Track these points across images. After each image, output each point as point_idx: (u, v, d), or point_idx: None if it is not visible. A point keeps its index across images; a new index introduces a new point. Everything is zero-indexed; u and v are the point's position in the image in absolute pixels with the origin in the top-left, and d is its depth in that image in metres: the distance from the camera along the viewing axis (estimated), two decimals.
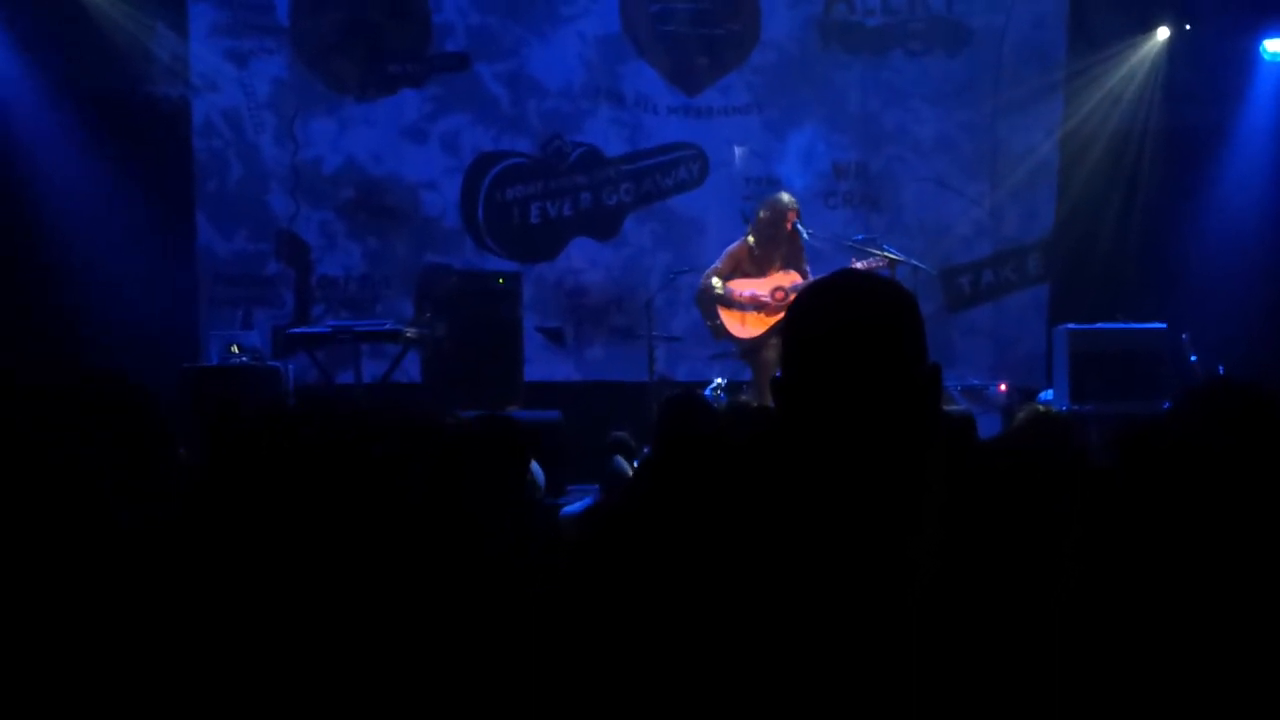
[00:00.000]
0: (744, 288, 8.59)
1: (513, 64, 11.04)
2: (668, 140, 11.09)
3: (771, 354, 8.47)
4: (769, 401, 8.16)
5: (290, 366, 9.49)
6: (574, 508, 5.63)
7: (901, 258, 8.62)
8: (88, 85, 10.33)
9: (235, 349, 9.31)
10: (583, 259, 11.03)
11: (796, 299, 1.96)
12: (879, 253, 8.63)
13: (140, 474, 1.82)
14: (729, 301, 8.58)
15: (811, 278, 8.41)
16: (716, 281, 8.62)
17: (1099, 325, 9.17)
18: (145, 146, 10.46)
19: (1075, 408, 8.46)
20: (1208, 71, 10.73)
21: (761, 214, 8.76)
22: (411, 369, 9.58)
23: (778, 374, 1.89)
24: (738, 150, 11.10)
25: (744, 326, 8.60)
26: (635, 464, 6.11)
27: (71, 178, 10.16)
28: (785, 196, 8.77)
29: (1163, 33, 10.84)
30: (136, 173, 10.26)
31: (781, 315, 8.50)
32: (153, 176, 10.42)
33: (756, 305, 8.53)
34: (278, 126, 10.91)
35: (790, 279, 8.54)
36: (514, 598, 1.69)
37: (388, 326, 9.41)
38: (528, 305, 10.17)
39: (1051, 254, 11.06)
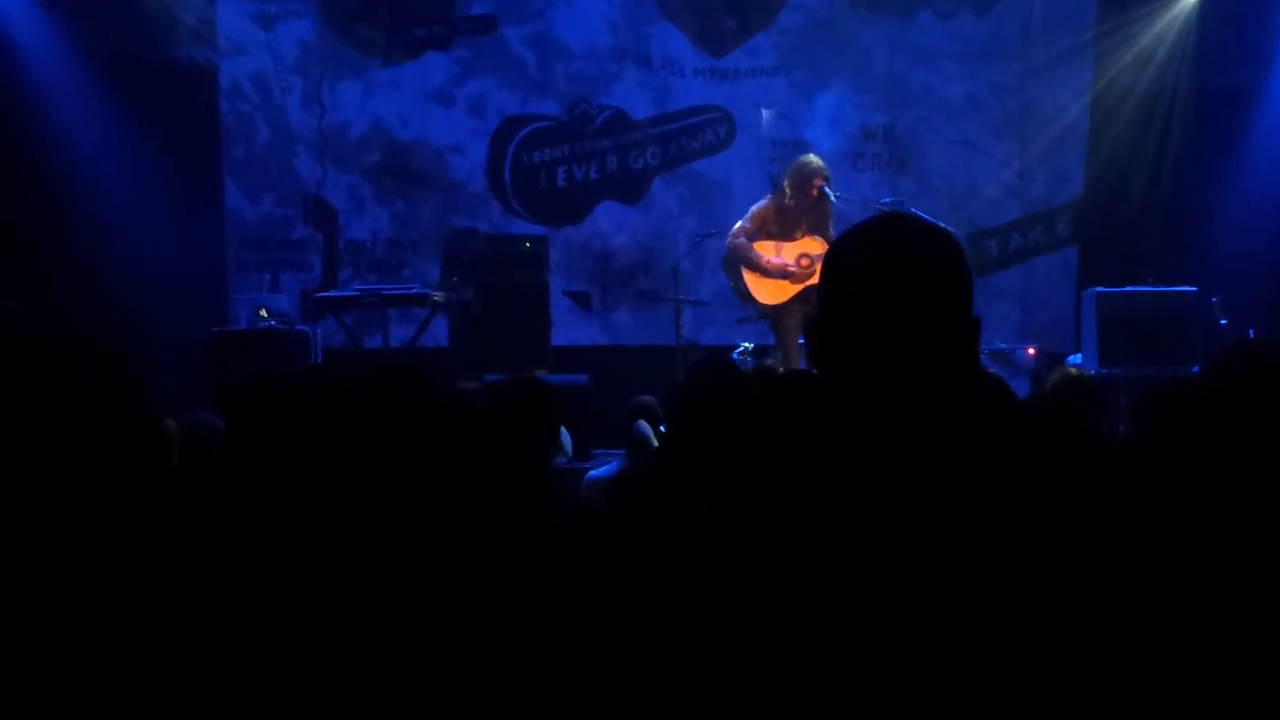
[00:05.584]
0: (771, 253, 8.49)
1: (539, 26, 11.00)
2: (694, 103, 11.05)
3: (795, 320, 8.42)
4: (796, 366, 8.12)
5: (318, 331, 9.51)
6: (599, 472, 5.63)
7: (929, 220, 8.55)
8: (115, 49, 10.35)
9: (264, 313, 9.35)
10: (609, 223, 11.02)
11: (841, 239, 1.85)
12: None
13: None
14: (755, 266, 8.48)
15: None
16: (744, 241, 8.52)
17: (1128, 289, 9.11)
18: (172, 110, 10.48)
19: (1104, 372, 8.42)
20: (1239, 31, 10.61)
21: (788, 176, 8.63)
22: (439, 333, 9.60)
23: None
24: (765, 113, 11.04)
25: (769, 292, 8.51)
26: (661, 428, 6.10)
27: (99, 142, 10.19)
28: (813, 159, 8.61)
29: None
30: (164, 137, 10.28)
31: (807, 283, 8.44)
32: (180, 141, 10.45)
33: (783, 273, 8.45)
34: (305, 90, 10.92)
35: (819, 246, 8.43)
36: (543, 563, 1.70)
37: (415, 290, 9.43)
38: (554, 269, 10.16)
39: (1081, 216, 10.99)
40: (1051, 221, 11.04)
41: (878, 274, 1.75)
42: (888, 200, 9.15)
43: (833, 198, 8.49)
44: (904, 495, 1.66)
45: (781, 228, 8.52)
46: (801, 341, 8.45)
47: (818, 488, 1.72)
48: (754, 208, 8.67)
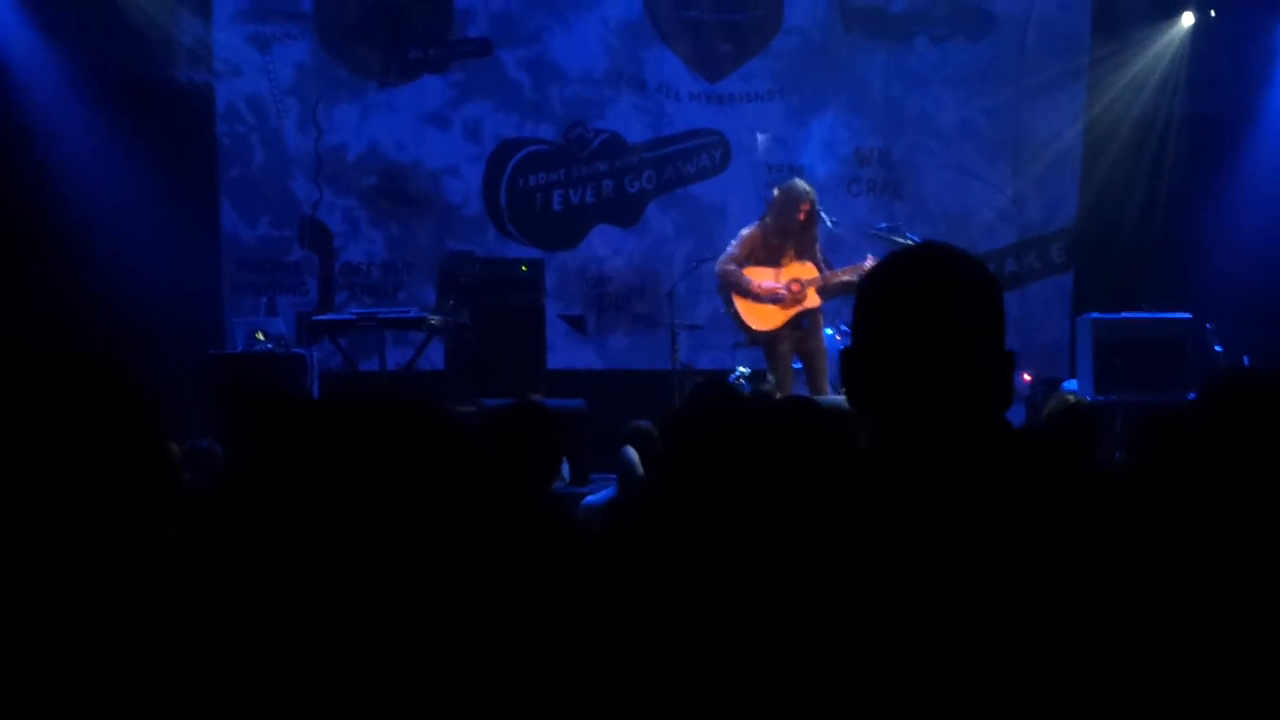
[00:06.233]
0: (761, 279, 8.35)
1: (535, 50, 11.04)
2: (690, 127, 11.09)
3: (787, 346, 8.33)
4: (789, 392, 8.08)
5: (315, 354, 9.51)
6: (595, 498, 5.61)
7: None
8: (111, 70, 10.35)
9: (260, 336, 9.34)
10: (605, 246, 11.04)
11: (877, 269, 1.84)
12: (902, 240, 8.53)
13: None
14: (745, 291, 8.36)
15: (829, 269, 8.29)
16: (734, 268, 8.41)
17: (1123, 314, 9.11)
18: (169, 132, 10.48)
19: (1099, 398, 8.41)
20: (1232, 58, 10.68)
21: (775, 200, 8.54)
22: (435, 356, 9.60)
23: (842, 343, 1.82)
24: (760, 137, 11.08)
25: (760, 319, 8.39)
26: (658, 448, 6.08)
27: (95, 163, 10.18)
28: (800, 184, 8.47)
29: (1187, 19, 10.79)
30: (160, 158, 10.28)
31: (797, 309, 8.36)
32: (176, 162, 10.45)
33: (773, 298, 8.32)
34: (301, 112, 10.94)
35: (808, 272, 8.31)
36: (539, 590, 1.69)
37: (412, 314, 9.41)
38: (550, 293, 10.16)
39: (1075, 242, 11.03)
40: (1046, 247, 11.07)
41: (917, 306, 1.75)
42: (883, 226, 9.12)
43: (828, 222, 8.44)
44: (913, 518, 1.66)
45: (769, 253, 8.36)
46: (797, 366, 8.42)
47: (823, 510, 1.72)
48: (741, 233, 8.54)
